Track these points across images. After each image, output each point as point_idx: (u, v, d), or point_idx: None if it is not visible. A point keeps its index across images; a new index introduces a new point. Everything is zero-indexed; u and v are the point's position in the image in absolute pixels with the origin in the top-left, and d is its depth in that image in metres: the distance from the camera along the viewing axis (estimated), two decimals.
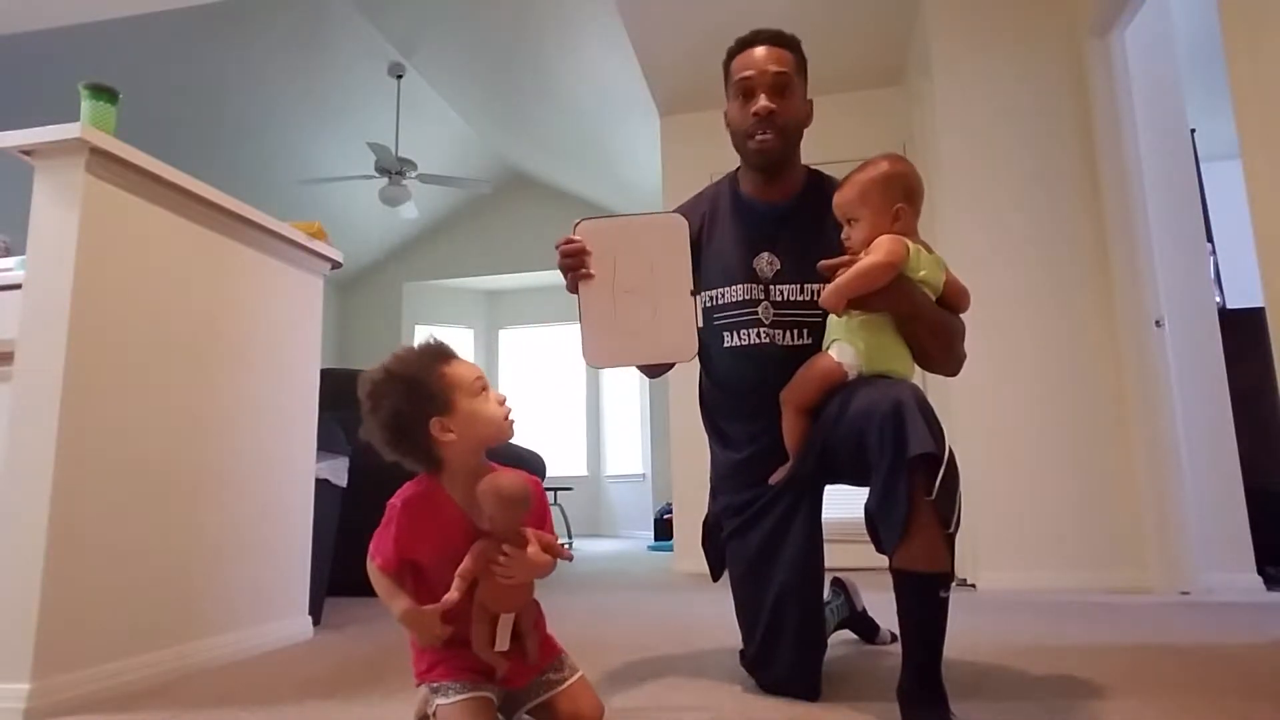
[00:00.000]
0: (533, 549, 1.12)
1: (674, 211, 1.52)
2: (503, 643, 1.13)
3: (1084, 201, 3.08)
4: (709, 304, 1.56)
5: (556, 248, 1.38)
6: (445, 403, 1.13)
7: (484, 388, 1.16)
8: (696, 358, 1.44)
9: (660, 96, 4.20)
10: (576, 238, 1.37)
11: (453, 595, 1.08)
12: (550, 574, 1.16)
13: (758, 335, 1.51)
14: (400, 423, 1.12)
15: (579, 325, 1.36)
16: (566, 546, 1.25)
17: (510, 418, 1.17)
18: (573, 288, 1.38)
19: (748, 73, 1.50)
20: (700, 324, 1.57)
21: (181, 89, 5.29)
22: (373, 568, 1.13)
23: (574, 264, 1.36)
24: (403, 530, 1.12)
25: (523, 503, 1.12)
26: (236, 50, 5.15)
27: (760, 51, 1.51)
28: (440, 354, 1.17)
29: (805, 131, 1.56)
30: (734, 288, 1.53)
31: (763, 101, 1.48)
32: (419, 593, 1.14)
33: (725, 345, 1.54)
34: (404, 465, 1.16)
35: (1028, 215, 3.13)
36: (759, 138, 1.49)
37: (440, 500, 1.16)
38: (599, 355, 1.38)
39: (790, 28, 1.55)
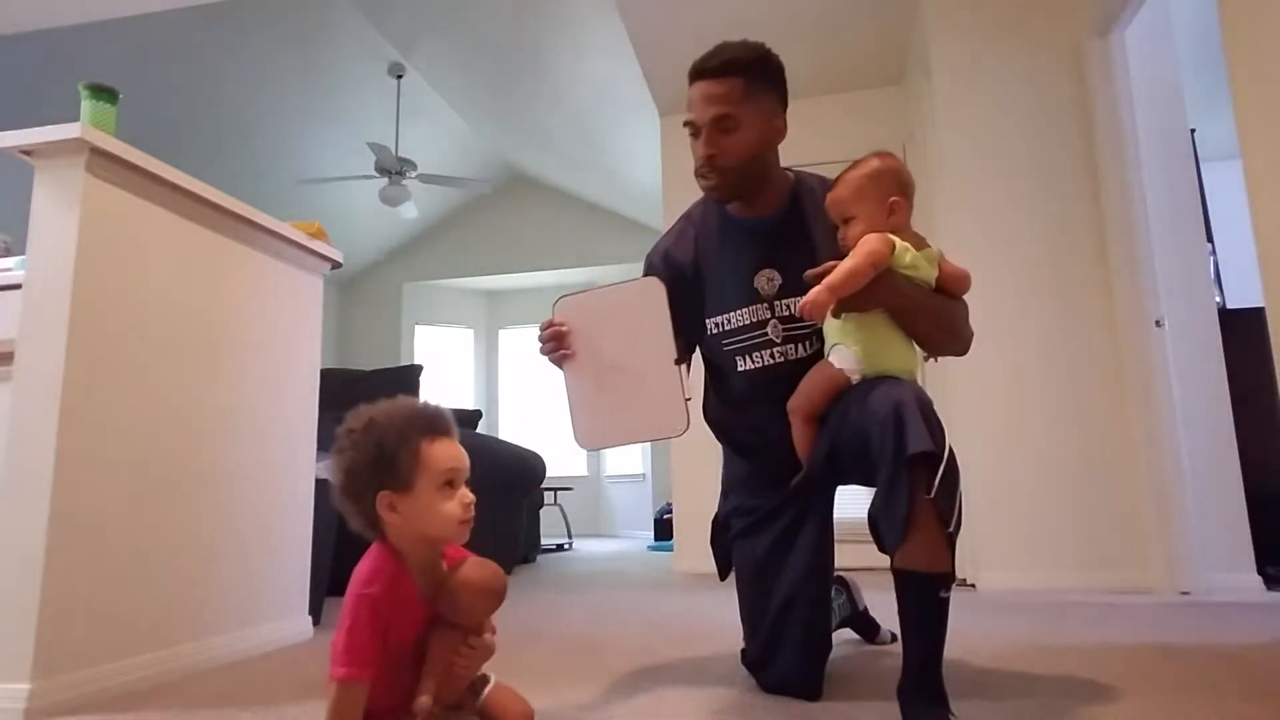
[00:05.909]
0: (489, 635, 1.09)
1: (652, 259, 1.57)
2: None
3: (1084, 201, 3.08)
4: (716, 330, 1.54)
5: (540, 337, 1.36)
6: (404, 481, 1.02)
7: (452, 482, 1.04)
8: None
9: (660, 96, 4.19)
10: (557, 318, 1.35)
11: (425, 701, 1.01)
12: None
13: (771, 356, 1.48)
14: (353, 480, 1.04)
15: (567, 407, 1.33)
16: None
17: (466, 521, 1.05)
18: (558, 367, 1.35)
19: (689, 115, 1.46)
20: (710, 349, 1.57)
21: (181, 89, 5.29)
22: (342, 686, 0.97)
23: (554, 346, 1.35)
24: (378, 630, 1.01)
25: (501, 594, 1.08)
26: (236, 50, 5.15)
27: (699, 91, 1.44)
28: (431, 426, 1.05)
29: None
30: (739, 311, 1.51)
31: (700, 150, 1.45)
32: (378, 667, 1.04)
33: (739, 370, 1.52)
34: (345, 517, 1.07)
35: (1027, 215, 3.13)
36: (704, 182, 1.48)
37: (403, 579, 1.05)
38: (589, 436, 1.34)
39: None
